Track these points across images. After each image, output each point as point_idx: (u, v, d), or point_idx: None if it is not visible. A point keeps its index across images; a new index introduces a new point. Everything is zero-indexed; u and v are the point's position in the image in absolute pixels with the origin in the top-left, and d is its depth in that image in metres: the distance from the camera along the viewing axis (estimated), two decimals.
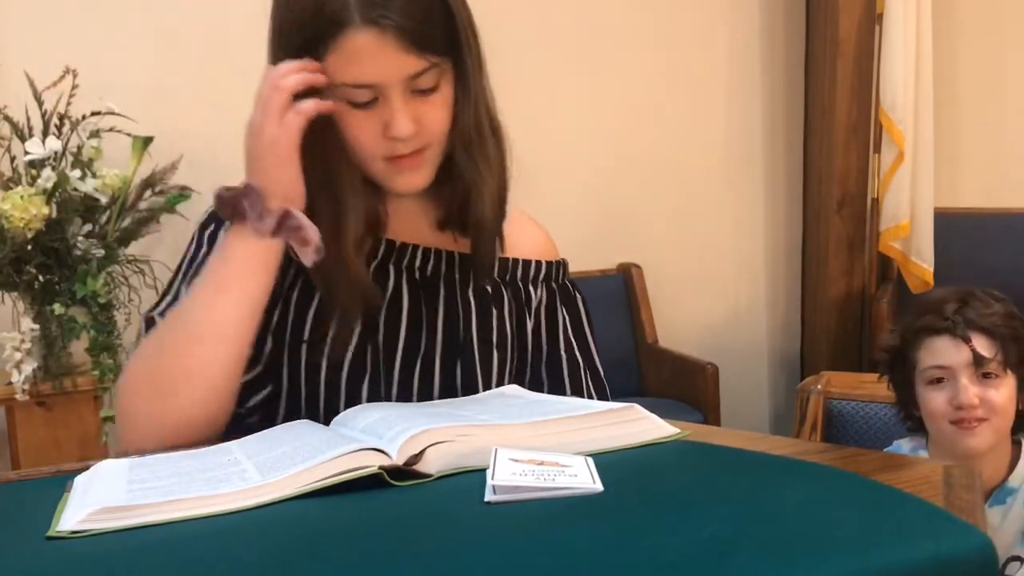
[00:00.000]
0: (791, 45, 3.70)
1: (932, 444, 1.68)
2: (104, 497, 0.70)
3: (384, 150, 1.02)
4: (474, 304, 1.12)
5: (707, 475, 0.74)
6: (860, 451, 0.82)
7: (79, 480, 0.78)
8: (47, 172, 2.26)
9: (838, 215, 3.55)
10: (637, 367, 3.38)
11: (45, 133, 2.32)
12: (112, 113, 2.39)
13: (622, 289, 3.42)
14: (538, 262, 1.18)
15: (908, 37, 3.38)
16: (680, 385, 3.20)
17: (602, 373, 1.21)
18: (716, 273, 3.70)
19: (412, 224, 1.12)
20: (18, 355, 2.26)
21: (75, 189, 2.29)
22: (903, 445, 1.74)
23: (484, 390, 1.09)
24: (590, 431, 0.81)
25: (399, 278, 1.10)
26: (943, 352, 1.60)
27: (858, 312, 3.60)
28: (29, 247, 2.23)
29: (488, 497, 0.67)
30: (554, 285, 1.20)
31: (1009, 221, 3.61)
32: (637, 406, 0.85)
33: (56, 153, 2.29)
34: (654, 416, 0.85)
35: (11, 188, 2.23)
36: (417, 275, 1.11)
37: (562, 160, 3.38)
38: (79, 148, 2.34)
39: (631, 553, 0.56)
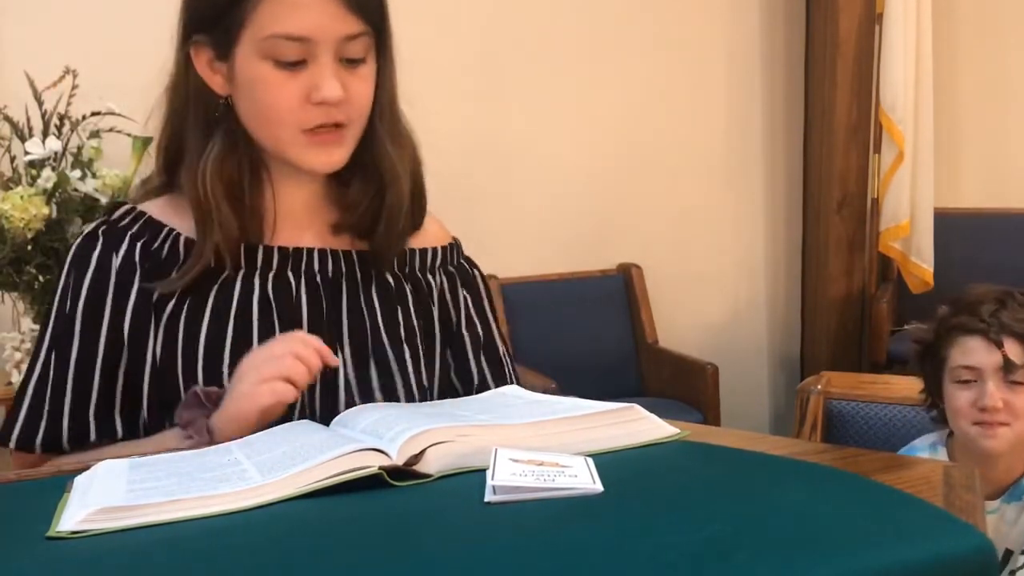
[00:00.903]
0: (791, 45, 3.70)
1: (954, 440, 1.70)
2: (104, 497, 0.70)
3: (303, 118, 0.98)
4: (378, 302, 1.08)
5: (707, 475, 0.74)
6: (860, 451, 0.82)
7: (79, 480, 0.78)
8: (47, 172, 2.25)
9: (838, 215, 3.55)
10: (637, 367, 3.38)
11: (45, 133, 2.31)
12: (112, 113, 2.38)
13: (622, 289, 3.42)
14: (433, 249, 1.15)
15: (908, 37, 3.39)
16: (680, 385, 3.20)
17: (502, 350, 1.18)
18: (716, 273, 3.70)
19: (304, 229, 1.09)
20: (18, 355, 2.25)
21: (75, 189, 2.29)
22: (917, 445, 1.75)
23: (404, 389, 1.06)
24: (590, 431, 0.81)
25: (298, 284, 1.05)
26: (974, 353, 1.61)
27: (858, 312, 3.60)
28: (29, 247, 2.23)
29: (488, 497, 0.67)
30: (451, 268, 1.17)
31: (1009, 221, 3.61)
32: (637, 406, 0.85)
33: (56, 153, 2.29)
34: (654, 416, 0.85)
35: (11, 188, 2.23)
36: (318, 278, 1.07)
37: (562, 160, 3.38)
38: (79, 148, 2.34)
39: (631, 553, 0.56)
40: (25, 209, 2.16)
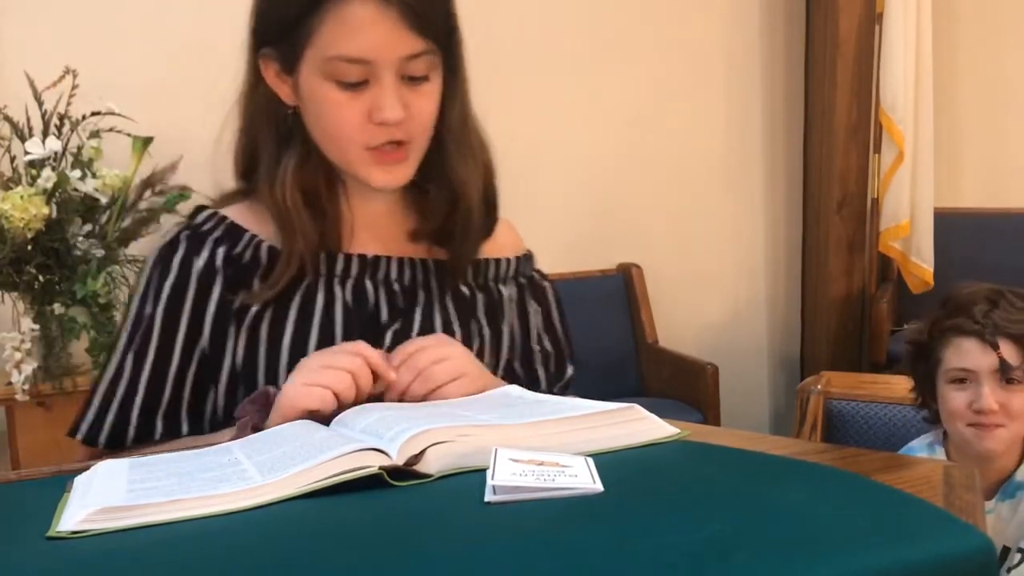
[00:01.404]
0: (791, 45, 3.70)
1: (949, 440, 1.70)
2: (104, 497, 0.70)
3: (367, 137, 0.99)
4: (454, 311, 1.09)
5: (707, 475, 0.74)
6: (860, 451, 0.82)
7: (79, 480, 0.78)
8: (47, 172, 2.26)
9: (838, 215, 3.55)
10: (637, 367, 3.38)
11: (45, 133, 2.31)
12: (112, 113, 2.39)
13: (622, 289, 3.42)
14: (507, 260, 1.16)
15: (908, 37, 3.39)
16: (680, 385, 3.20)
17: (569, 369, 1.19)
18: (716, 273, 3.70)
19: (382, 236, 1.09)
20: (18, 355, 2.25)
21: (75, 189, 2.29)
22: (914, 445, 1.75)
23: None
24: (590, 431, 0.81)
25: (376, 292, 1.06)
26: (969, 355, 1.60)
27: (858, 312, 3.60)
28: (29, 247, 2.23)
29: (488, 497, 0.67)
30: (522, 280, 1.18)
31: (1009, 221, 3.61)
32: (637, 406, 0.85)
33: (56, 153, 2.29)
34: (654, 416, 0.85)
35: (11, 188, 2.23)
36: (395, 286, 1.07)
37: (563, 160, 3.38)
38: (79, 148, 2.34)
39: (631, 553, 0.56)
40: (25, 209, 2.16)
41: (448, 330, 1.08)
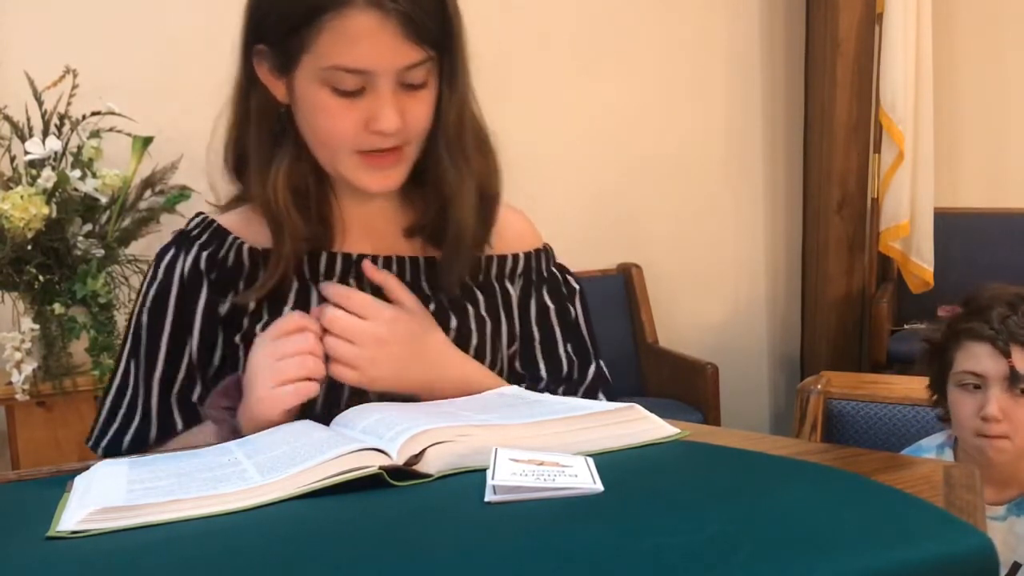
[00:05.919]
0: (791, 45, 3.70)
1: (959, 446, 1.69)
2: (104, 497, 0.70)
3: (361, 143, 0.98)
4: (450, 310, 1.07)
5: (707, 475, 0.74)
6: (860, 451, 0.82)
7: (79, 480, 0.78)
8: (47, 172, 2.26)
9: (838, 215, 3.55)
10: (637, 367, 3.38)
11: (45, 133, 2.31)
12: (112, 113, 2.39)
13: (622, 289, 3.42)
14: (514, 256, 1.13)
15: (908, 37, 3.39)
16: (680, 385, 3.20)
17: (593, 362, 1.16)
18: (716, 273, 3.70)
19: (375, 234, 1.08)
20: (18, 355, 2.25)
21: (75, 189, 2.29)
22: (924, 445, 1.74)
23: None
24: (590, 431, 0.81)
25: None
26: (981, 360, 1.58)
27: (858, 312, 3.60)
28: (29, 247, 2.23)
29: (488, 497, 0.67)
30: (533, 276, 1.15)
31: (1009, 221, 3.61)
32: (637, 406, 0.85)
33: (56, 153, 2.29)
34: (654, 416, 0.84)
35: (11, 188, 2.23)
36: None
37: (562, 160, 3.38)
38: (79, 148, 2.34)
39: (631, 553, 0.56)
40: (25, 209, 2.16)
41: (446, 332, 1.06)
